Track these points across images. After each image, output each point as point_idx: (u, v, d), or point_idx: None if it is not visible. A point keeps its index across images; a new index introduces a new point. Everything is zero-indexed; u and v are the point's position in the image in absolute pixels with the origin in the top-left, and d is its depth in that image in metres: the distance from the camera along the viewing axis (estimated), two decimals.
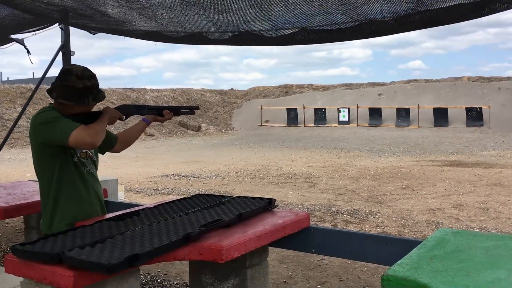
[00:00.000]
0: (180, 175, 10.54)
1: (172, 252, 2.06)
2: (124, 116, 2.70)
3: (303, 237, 2.64)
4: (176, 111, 2.96)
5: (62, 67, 2.57)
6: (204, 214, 2.53)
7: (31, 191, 3.79)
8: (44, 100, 20.63)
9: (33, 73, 36.44)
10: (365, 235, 2.53)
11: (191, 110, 3.01)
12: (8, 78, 37.52)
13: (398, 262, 1.71)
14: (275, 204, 2.81)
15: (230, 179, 9.86)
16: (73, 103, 2.44)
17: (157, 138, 21.36)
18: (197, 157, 14.37)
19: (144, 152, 15.77)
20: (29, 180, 4.93)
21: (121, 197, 6.50)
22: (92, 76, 2.50)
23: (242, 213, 2.49)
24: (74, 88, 2.42)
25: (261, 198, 2.86)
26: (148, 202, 6.77)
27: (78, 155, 2.57)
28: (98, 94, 2.54)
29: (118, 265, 1.80)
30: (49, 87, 2.53)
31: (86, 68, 2.51)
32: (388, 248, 2.38)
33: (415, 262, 1.70)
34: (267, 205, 2.75)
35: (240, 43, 4.59)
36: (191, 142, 20.78)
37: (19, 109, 20.27)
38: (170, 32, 4.56)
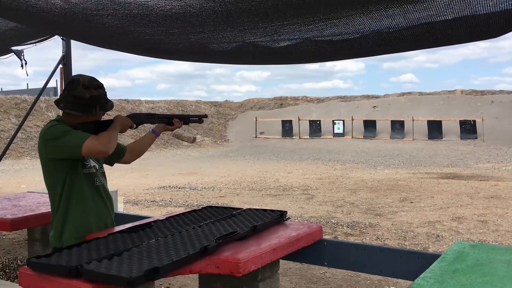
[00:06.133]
0: (176, 186, 10.49)
1: (189, 265, 2.03)
2: (135, 125, 2.68)
3: (315, 250, 2.62)
4: (185, 119, 2.93)
5: (70, 78, 2.52)
6: (217, 226, 2.51)
7: (36, 203, 3.74)
8: (39, 111, 20.51)
9: (27, 84, 36.28)
10: (379, 248, 2.51)
11: (199, 119, 3.00)
12: (1, 88, 37.31)
13: (421, 276, 1.71)
14: (287, 217, 2.80)
15: (228, 191, 9.82)
16: (80, 113, 2.42)
17: (152, 150, 21.25)
18: (193, 169, 14.32)
19: (139, 163, 15.64)
20: (28, 192, 4.87)
21: (120, 208, 6.45)
22: (100, 86, 2.49)
23: (256, 225, 2.47)
24: (81, 98, 2.41)
25: (272, 210, 2.85)
26: (147, 214, 6.71)
27: (88, 167, 2.55)
28: (106, 104, 2.52)
29: (138, 279, 1.77)
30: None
31: (94, 78, 2.50)
32: (403, 261, 2.37)
33: (439, 276, 1.70)
34: (279, 218, 2.73)
35: (241, 59, 4.54)
36: (186, 153, 20.72)
37: (14, 120, 20.13)
38: (170, 44, 4.53)
